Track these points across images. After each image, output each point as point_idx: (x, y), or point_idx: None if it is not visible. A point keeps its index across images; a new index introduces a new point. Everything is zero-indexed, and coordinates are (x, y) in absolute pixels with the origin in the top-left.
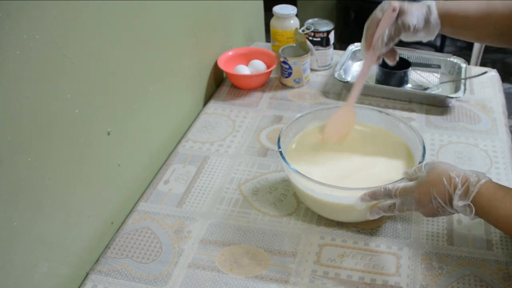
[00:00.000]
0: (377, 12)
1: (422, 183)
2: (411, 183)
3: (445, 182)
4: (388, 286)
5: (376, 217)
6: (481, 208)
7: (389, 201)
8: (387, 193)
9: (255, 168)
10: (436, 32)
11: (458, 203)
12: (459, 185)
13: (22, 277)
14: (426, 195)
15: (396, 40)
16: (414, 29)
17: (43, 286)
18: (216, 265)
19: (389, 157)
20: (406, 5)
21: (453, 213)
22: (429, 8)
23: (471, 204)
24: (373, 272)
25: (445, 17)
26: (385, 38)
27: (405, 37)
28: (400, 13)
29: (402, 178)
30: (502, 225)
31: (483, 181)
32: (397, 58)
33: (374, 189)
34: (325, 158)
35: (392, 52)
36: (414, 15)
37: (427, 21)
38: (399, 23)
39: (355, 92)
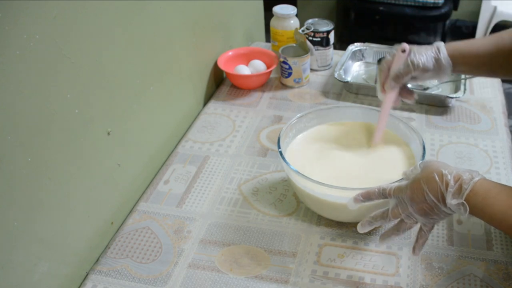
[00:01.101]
0: (388, 56)
1: (415, 180)
2: (404, 182)
3: (437, 178)
4: (388, 286)
5: (368, 229)
6: (475, 206)
7: (382, 209)
8: (381, 193)
9: (255, 168)
10: (448, 72)
11: (451, 201)
12: (452, 183)
13: (22, 277)
14: (418, 191)
15: (407, 79)
16: (424, 68)
17: (43, 286)
18: (216, 265)
19: (389, 157)
20: (415, 47)
21: (449, 214)
22: (438, 48)
23: (465, 203)
24: (373, 272)
25: (457, 57)
26: (394, 75)
27: (416, 78)
28: (410, 54)
29: (401, 179)
30: (497, 222)
31: (476, 178)
32: (416, 97)
33: (368, 189)
34: (325, 158)
35: (409, 92)
36: (423, 54)
37: (437, 60)
38: (409, 62)
39: (380, 132)
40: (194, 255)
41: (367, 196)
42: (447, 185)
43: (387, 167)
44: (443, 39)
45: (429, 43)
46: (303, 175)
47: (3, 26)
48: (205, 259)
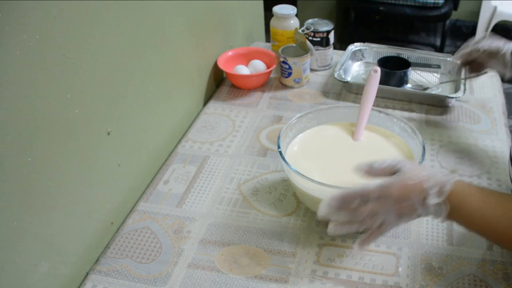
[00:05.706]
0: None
1: (401, 179)
2: (386, 180)
3: (423, 183)
4: (388, 286)
5: (339, 233)
6: (453, 205)
7: (356, 201)
8: (361, 195)
9: (255, 168)
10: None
11: (431, 201)
12: (434, 185)
13: (22, 277)
14: (406, 191)
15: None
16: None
17: (43, 286)
18: (215, 265)
19: (389, 157)
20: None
21: (417, 217)
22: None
23: (446, 201)
24: (373, 272)
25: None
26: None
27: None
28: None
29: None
30: (474, 219)
31: (453, 180)
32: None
33: (344, 193)
34: (325, 158)
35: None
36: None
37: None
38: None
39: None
40: (194, 255)
41: (345, 200)
42: (431, 187)
43: None
44: (443, 39)
45: (429, 43)
46: (302, 175)
47: (3, 26)
48: (205, 259)
